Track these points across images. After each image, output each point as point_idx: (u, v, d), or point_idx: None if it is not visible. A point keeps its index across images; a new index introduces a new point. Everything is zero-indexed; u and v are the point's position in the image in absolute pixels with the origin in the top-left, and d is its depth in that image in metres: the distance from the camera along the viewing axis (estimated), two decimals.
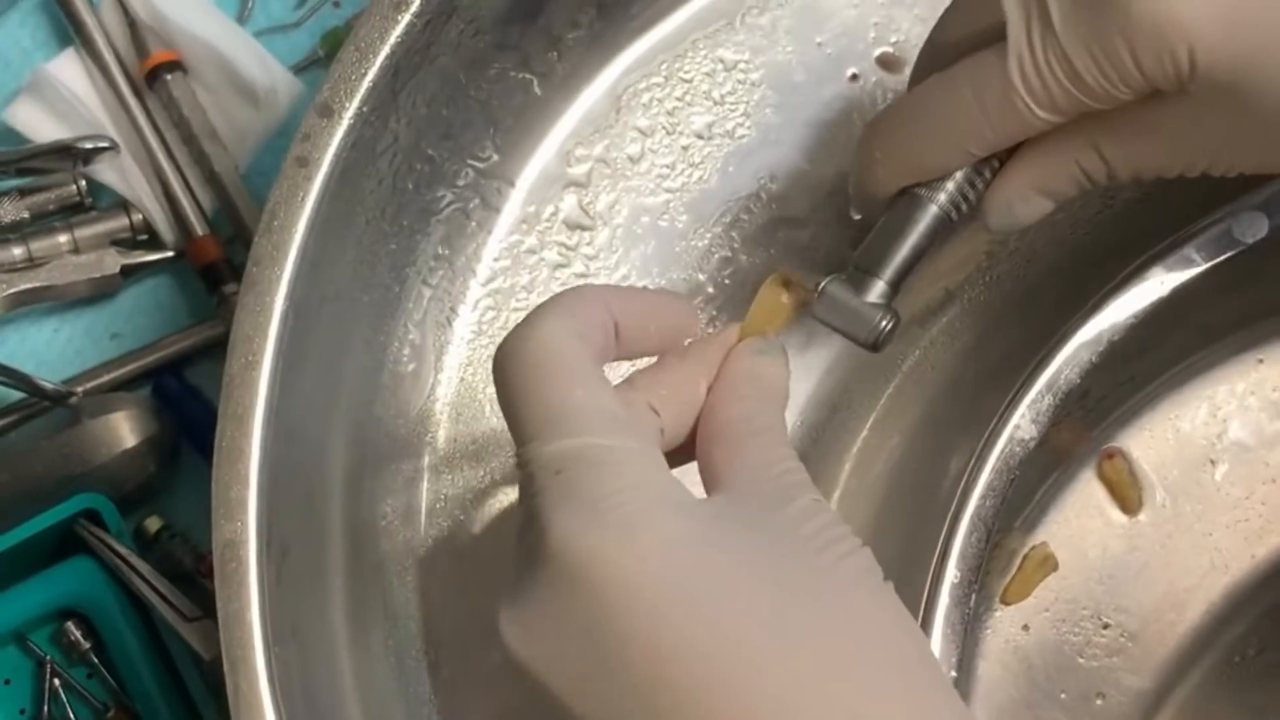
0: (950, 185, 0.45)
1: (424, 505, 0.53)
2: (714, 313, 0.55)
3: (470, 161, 0.54)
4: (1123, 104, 0.41)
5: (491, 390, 0.54)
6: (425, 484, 0.53)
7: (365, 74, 0.48)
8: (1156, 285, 0.50)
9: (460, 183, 0.54)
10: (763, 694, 0.34)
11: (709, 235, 0.56)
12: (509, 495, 0.54)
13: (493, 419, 0.54)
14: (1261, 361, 0.57)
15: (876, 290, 0.45)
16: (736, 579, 0.35)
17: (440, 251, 0.54)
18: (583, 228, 0.55)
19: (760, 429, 0.40)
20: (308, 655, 0.48)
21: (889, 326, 0.44)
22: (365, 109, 0.48)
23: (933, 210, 0.45)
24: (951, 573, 0.48)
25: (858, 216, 0.49)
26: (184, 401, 0.58)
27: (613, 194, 0.55)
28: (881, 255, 0.45)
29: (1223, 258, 0.51)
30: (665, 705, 0.34)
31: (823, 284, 0.44)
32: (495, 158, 0.54)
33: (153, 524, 0.57)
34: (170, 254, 0.58)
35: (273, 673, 0.45)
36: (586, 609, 0.35)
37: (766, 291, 0.44)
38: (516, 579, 0.37)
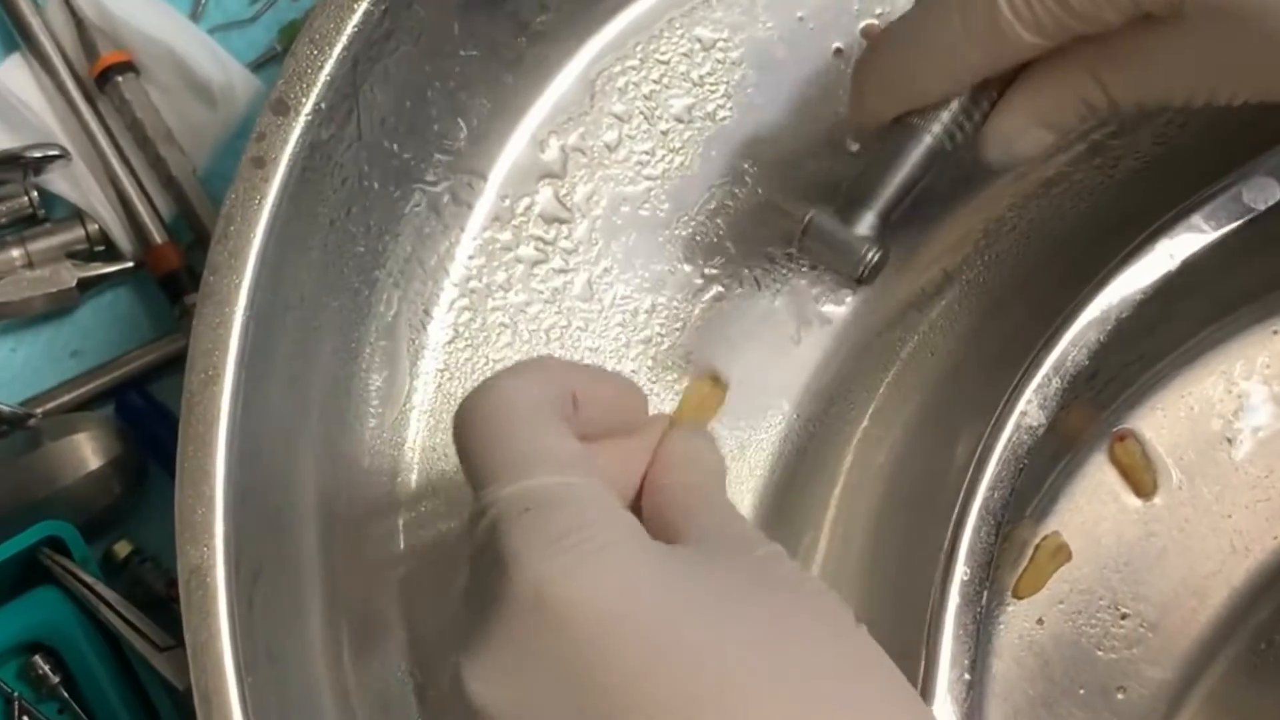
0: (945, 115, 0.43)
1: (403, 520, 0.50)
2: (703, 307, 0.53)
3: (439, 156, 0.51)
4: (1116, 29, 0.40)
5: None
6: (404, 498, 0.51)
7: (322, 67, 0.46)
8: (1164, 258, 0.48)
9: (429, 178, 0.51)
10: None
11: (693, 224, 0.53)
12: None
13: None
14: (1277, 333, 0.54)
15: (865, 222, 0.43)
16: (714, 614, 0.33)
17: (410, 251, 0.51)
18: (560, 220, 0.53)
19: (709, 494, 0.39)
20: (284, 682, 0.45)
21: (875, 258, 0.43)
22: (323, 105, 0.46)
23: (926, 140, 0.43)
24: (961, 570, 0.46)
25: (855, 148, 0.47)
26: (149, 420, 0.55)
27: (590, 184, 0.53)
28: (871, 185, 0.43)
29: (1232, 226, 0.48)
30: None
31: (809, 215, 0.43)
32: (465, 151, 0.52)
33: (122, 549, 0.54)
34: (129, 265, 0.56)
35: (246, 704, 0.42)
36: (556, 646, 0.32)
37: (695, 387, 0.43)
38: (473, 631, 0.34)
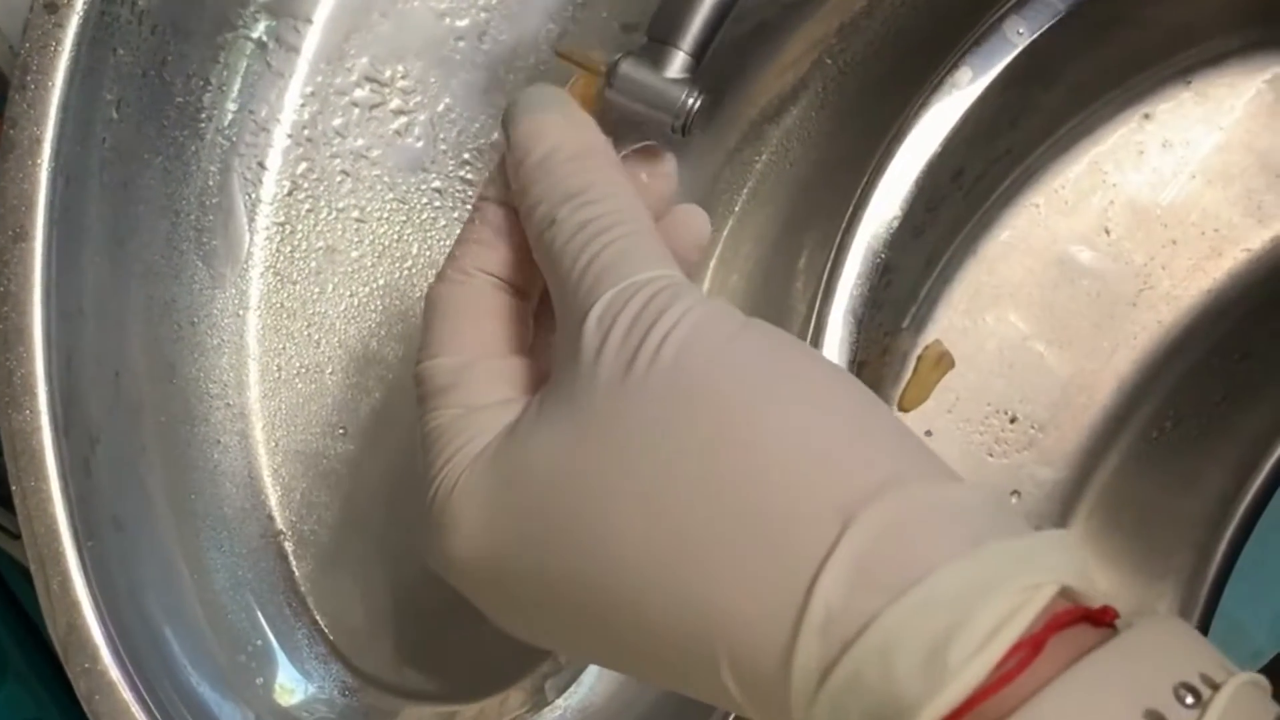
0: None
1: (254, 377, 0.49)
2: None
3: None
4: None
5: (322, 244, 0.50)
6: (254, 353, 0.49)
7: None
8: (1014, 36, 0.46)
9: (244, 23, 0.49)
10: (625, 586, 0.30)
11: (534, 55, 0.51)
12: (346, 358, 0.49)
13: (324, 274, 0.50)
14: (1148, 116, 0.53)
15: (677, 63, 0.38)
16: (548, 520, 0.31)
17: (237, 102, 0.49)
18: (395, 60, 0.50)
19: (546, 223, 0.33)
20: (134, 551, 0.44)
21: (695, 105, 0.37)
22: None
23: None
24: None
25: None
26: None
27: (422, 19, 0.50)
28: (677, 19, 0.38)
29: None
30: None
31: (615, 61, 0.38)
32: None
33: None
34: None
35: (87, 569, 0.41)
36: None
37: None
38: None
